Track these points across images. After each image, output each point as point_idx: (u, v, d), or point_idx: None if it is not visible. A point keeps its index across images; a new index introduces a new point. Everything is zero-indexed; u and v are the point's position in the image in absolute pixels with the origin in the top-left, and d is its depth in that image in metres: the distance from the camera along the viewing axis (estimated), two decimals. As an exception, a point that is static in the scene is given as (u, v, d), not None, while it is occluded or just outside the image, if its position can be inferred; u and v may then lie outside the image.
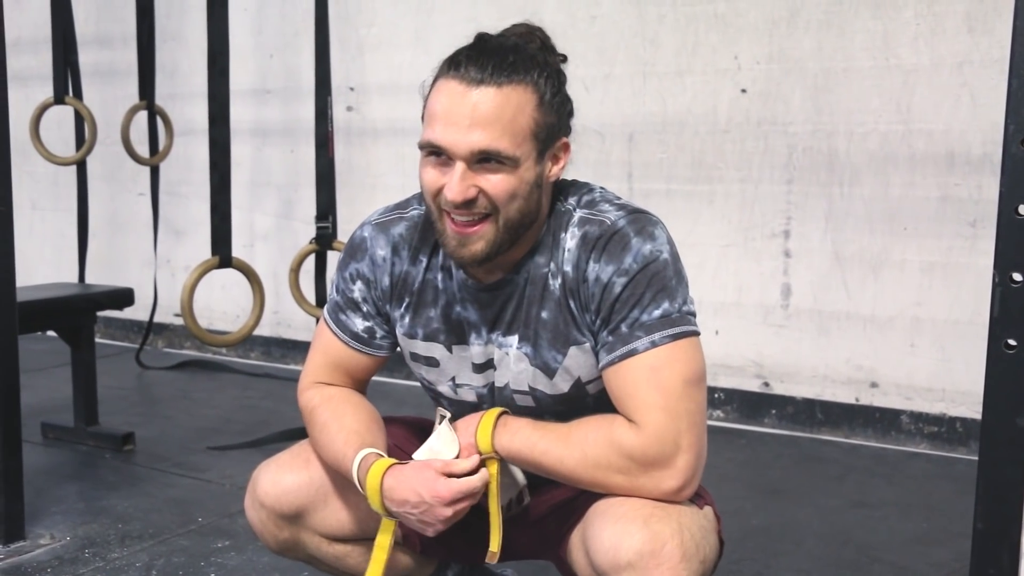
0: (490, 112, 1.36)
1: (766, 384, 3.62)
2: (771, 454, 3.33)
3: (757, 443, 3.45)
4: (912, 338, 3.36)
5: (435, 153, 1.40)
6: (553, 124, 1.43)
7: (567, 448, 1.42)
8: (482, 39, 1.43)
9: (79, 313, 3.25)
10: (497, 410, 1.50)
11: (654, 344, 1.41)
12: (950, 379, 3.32)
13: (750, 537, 2.57)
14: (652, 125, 3.68)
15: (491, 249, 1.43)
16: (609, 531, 1.36)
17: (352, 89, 4.26)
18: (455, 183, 1.38)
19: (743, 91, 3.53)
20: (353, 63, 4.25)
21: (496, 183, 1.39)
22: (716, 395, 3.69)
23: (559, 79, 1.45)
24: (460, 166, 1.38)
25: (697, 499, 1.47)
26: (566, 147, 1.48)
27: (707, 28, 3.56)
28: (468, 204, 1.40)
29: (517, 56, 1.40)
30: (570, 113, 1.48)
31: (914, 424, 3.39)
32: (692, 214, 3.63)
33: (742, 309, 3.60)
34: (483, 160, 1.38)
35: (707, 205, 3.62)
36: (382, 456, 1.50)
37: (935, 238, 3.29)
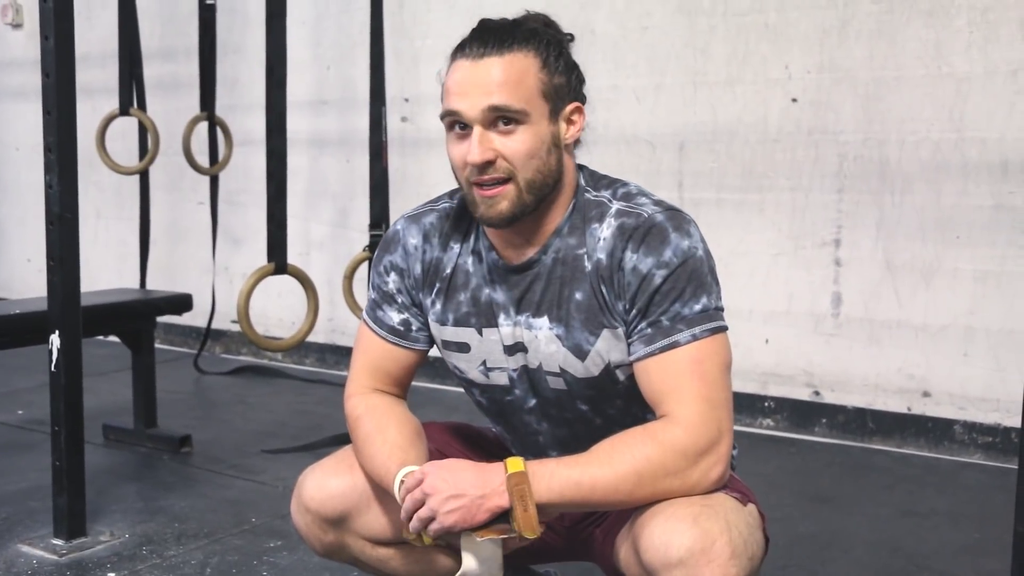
0: (497, 76, 1.46)
1: (816, 393, 3.61)
2: (821, 463, 3.32)
3: (807, 452, 3.44)
4: (965, 347, 3.33)
5: (455, 124, 1.49)
6: (561, 85, 1.51)
7: (615, 472, 1.39)
8: (483, 22, 1.53)
9: (140, 318, 3.34)
10: (517, 464, 1.41)
11: (695, 337, 1.45)
12: (1004, 389, 3.28)
13: (797, 544, 2.57)
14: (703, 134, 3.70)
15: (516, 208, 1.49)
16: (659, 529, 1.37)
17: (407, 100, 4.33)
18: (474, 146, 1.46)
19: (794, 100, 3.52)
20: (408, 74, 4.31)
21: (512, 144, 1.47)
22: (766, 403, 3.68)
23: (562, 47, 1.53)
24: (477, 130, 1.47)
25: (740, 496, 1.48)
26: (579, 110, 1.55)
27: (758, 38, 3.57)
28: (488, 166, 1.47)
29: (516, 29, 1.50)
30: (580, 80, 1.56)
31: (967, 434, 3.35)
32: (742, 223, 3.63)
33: (792, 318, 3.59)
34: (497, 121, 1.46)
35: (757, 214, 3.62)
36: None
37: (989, 247, 3.26)
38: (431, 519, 1.42)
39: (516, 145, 1.46)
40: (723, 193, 3.67)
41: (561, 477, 1.39)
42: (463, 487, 1.40)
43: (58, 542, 2.52)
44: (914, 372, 3.43)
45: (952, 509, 2.87)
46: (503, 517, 1.40)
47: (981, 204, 3.26)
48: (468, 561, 1.43)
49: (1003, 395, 3.29)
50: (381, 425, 1.61)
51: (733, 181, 3.66)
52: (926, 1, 3.29)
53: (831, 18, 3.44)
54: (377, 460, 1.57)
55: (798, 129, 3.53)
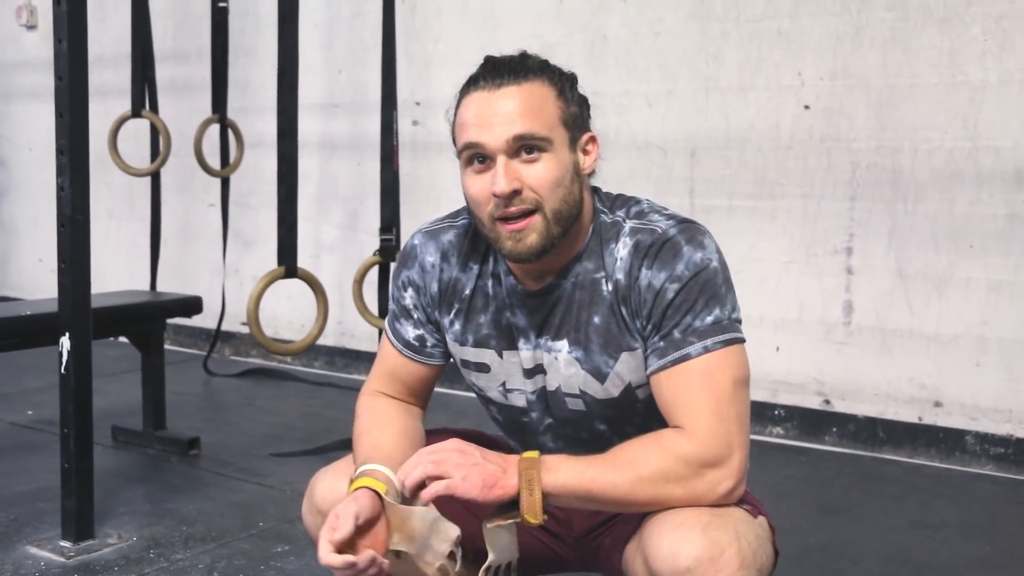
0: (517, 104, 1.44)
1: (827, 402, 3.59)
2: (831, 472, 3.30)
3: (817, 461, 3.42)
4: (978, 357, 3.31)
5: (475, 158, 1.47)
6: (577, 115, 1.50)
7: (617, 471, 1.41)
8: (489, 58, 1.52)
9: (149, 320, 3.35)
10: (531, 453, 1.44)
11: (707, 349, 1.44)
12: (1017, 400, 3.26)
13: (807, 555, 2.55)
14: (714, 141, 3.68)
15: (545, 241, 1.46)
16: (668, 538, 1.37)
17: (418, 104, 4.32)
18: (500, 176, 1.43)
19: (806, 107, 3.51)
20: (420, 78, 4.31)
21: (536, 173, 1.45)
22: (776, 412, 3.67)
23: (573, 80, 1.53)
24: (501, 160, 1.44)
25: (751, 508, 1.48)
26: (593, 140, 1.54)
27: (770, 44, 3.56)
28: (514, 196, 1.44)
29: (527, 60, 1.50)
30: (589, 114, 1.55)
31: (979, 445, 3.33)
32: (754, 230, 3.62)
33: (803, 326, 3.57)
34: (520, 150, 1.44)
35: (769, 221, 3.60)
36: (368, 475, 1.49)
37: (1002, 256, 3.24)
38: (441, 478, 1.40)
39: (541, 173, 1.45)
40: (735, 200, 3.66)
41: (567, 468, 1.41)
42: (487, 459, 1.42)
43: (66, 544, 2.53)
44: (926, 382, 3.41)
45: (963, 521, 2.85)
46: (511, 506, 1.42)
47: (995, 213, 3.24)
48: (492, 551, 1.45)
49: (1016, 406, 3.26)
50: (370, 425, 1.62)
51: (745, 188, 3.64)
52: (941, 8, 3.27)
53: (845, 25, 3.43)
54: (358, 456, 1.58)
55: (811, 136, 3.51)
